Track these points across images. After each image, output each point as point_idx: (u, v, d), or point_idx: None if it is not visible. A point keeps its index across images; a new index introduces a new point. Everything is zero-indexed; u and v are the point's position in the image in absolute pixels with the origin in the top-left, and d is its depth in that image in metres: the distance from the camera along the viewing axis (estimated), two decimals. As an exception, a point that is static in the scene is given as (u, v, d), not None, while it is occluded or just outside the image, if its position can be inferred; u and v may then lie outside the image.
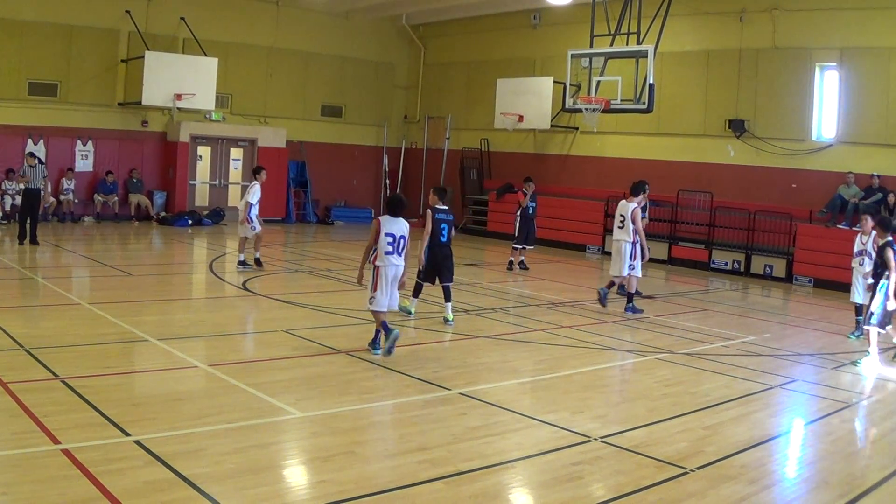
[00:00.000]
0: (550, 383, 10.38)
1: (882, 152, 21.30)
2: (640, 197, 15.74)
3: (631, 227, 15.29)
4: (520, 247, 20.55)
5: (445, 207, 13.68)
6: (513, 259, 20.59)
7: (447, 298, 13.65)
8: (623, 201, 15.71)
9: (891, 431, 8.98)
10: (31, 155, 21.11)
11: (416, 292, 13.99)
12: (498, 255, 20.89)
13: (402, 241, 10.97)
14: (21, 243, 19.48)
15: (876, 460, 7.94)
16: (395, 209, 11.14)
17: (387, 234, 10.90)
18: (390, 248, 10.90)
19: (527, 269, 20.56)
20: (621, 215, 15.48)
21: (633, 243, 15.39)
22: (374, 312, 11.05)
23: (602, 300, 15.51)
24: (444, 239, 13.53)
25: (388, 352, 10.84)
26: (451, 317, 13.56)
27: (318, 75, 31.87)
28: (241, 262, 18.01)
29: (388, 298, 11.00)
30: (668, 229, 24.54)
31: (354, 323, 13.27)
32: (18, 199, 23.70)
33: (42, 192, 20.85)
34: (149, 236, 24.62)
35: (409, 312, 13.89)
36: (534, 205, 20.94)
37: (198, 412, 8.09)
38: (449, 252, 13.73)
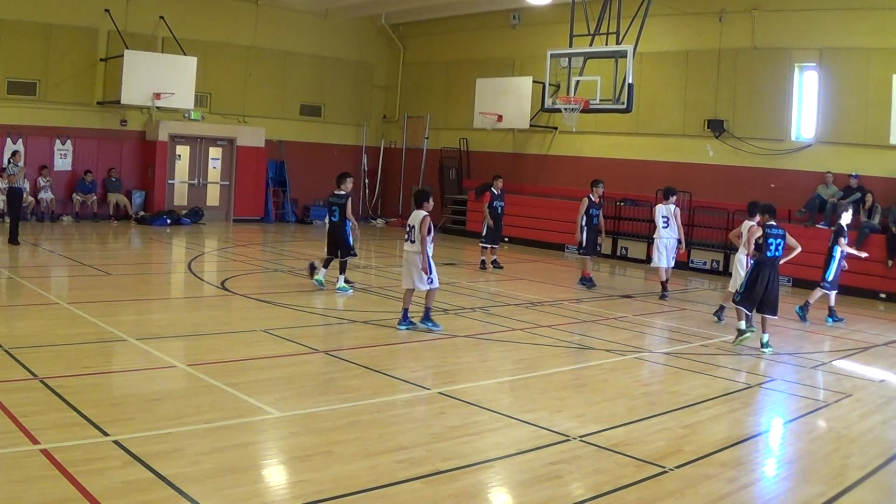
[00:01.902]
0: (529, 382, 10.39)
1: (860, 152, 21.43)
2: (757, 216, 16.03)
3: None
4: (489, 245, 20.62)
5: (342, 192, 15.67)
6: (485, 258, 20.66)
7: (341, 270, 15.80)
8: (746, 221, 15.52)
9: (869, 430, 9.02)
10: (15, 153, 20.93)
11: (325, 264, 16.18)
12: (477, 254, 20.89)
13: (412, 230, 12.54)
14: (14, 243, 19.49)
15: (854, 459, 7.97)
16: (414, 201, 12.80)
17: (406, 225, 12.79)
18: (406, 237, 12.72)
19: (501, 267, 20.59)
20: (742, 232, 15.64)
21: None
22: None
23: (719, 314, 15.82)
24: (334, 219, 15.66)
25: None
26: (343, 285, 15.68)
27: (297, 75, 31.80)
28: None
29: (404, 278, 12.87)
30: (647, 229, 24.56)
31: (333, 322, 13.28)
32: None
33: (24, 191, 20.69)
34: (127, 236, 24.51)
35: (319, 283, 15.94)
36: (502, 204, 21.00)
37: (176, 412, 8.05)
38: (341, 233, 15.67)
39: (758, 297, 12.62)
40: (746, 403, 10.04)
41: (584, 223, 18.43)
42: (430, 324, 12.76)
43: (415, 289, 12.70)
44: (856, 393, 10.61)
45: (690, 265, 23.31)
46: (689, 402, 9.67)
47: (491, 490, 6.92)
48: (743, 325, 12.99)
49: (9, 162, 20.64)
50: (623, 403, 9.48)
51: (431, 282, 12.62)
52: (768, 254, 12.65)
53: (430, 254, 12.61)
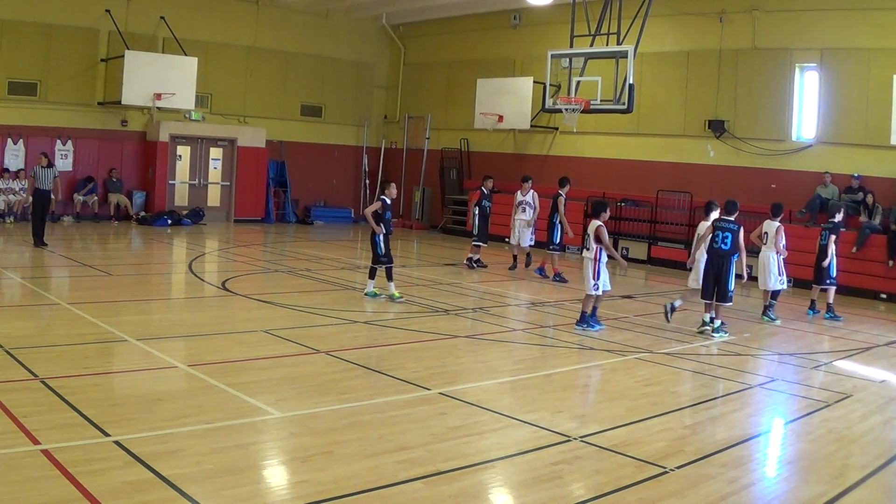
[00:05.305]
0: (530, 383, 10.39)
1: (861, 153, 21.40)
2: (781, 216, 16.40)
3: (780, 243, 15.92)
4: (482, 244, 20.72)
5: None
6: (479, 257, 20.74)
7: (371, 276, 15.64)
8: (768, 221, 16.18)
9: (870, 431, 9.02)
10: (44, 155, 20.71)
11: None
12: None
13: (588, 237, 13.48)
14: (37, 244, 19.50)
15: (855, 459, 7.97)
16: (592, 211, 13.95)
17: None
18: (584, 244, 13.73)
19: (474, 267, 20.54)
20: (765, 232, 16.12)
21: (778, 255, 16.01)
22: None
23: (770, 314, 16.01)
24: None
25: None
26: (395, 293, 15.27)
27: (298, 75, 31.81)
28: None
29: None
30: (648, 229, 24.60)
31: (334, 323, 13.27)
32: (12, 198, 23.73)
33: (51, 194, 20.43)
34: (128, 236, 24.51)
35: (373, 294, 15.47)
36: (489, 203, 21.29)
37: (177, 412, 8.05)
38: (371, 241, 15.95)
39: (711, 287, 13.72)
40: (747, 404, 10.03)
41: (556, 221, 19.27)
42: (584, 325, 13.59)
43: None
44: (856, 393, 10.60)
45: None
46: (689, 403, 9.67)
47: (492, 490, 6.92)
48: (708, 317, 13.90)
49: (38, 162, 20.39)
50: (624, 404, 9.48)
51: (597, 287, 13.49)
52: (714, 246, 13.73)
53: (604, 261, 13.53)
